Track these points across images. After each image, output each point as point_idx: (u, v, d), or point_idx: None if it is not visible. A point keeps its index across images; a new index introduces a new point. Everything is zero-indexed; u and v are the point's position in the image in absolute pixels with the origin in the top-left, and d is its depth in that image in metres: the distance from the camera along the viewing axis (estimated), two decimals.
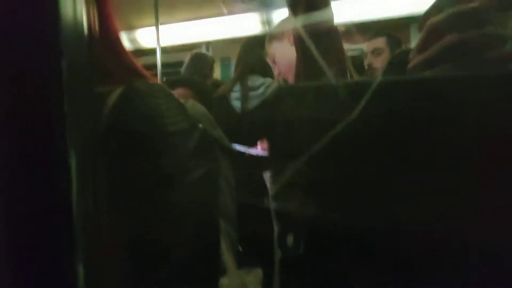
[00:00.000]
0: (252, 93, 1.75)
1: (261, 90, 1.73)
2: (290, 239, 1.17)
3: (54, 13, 0.22)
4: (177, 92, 1.52)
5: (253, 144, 1.55)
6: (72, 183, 0.23)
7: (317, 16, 0.97)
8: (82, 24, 0.25)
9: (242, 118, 1.72)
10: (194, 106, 0.92)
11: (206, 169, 0.51)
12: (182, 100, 0.85)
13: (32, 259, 0.22)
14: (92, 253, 0.24)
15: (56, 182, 0.23)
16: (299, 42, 1.07)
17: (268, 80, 1.72)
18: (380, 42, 1.95)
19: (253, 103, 1.72)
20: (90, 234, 0.24)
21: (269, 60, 1.50)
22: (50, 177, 0.23)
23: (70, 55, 0.23)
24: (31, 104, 0.23)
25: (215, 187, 0.58)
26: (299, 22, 1.02)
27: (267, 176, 1.22)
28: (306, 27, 0.99)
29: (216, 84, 2.46)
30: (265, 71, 1.69)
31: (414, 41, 2.95)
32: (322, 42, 1.00)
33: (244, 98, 1.74)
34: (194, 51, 2.42)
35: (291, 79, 1.28)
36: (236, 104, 1.76)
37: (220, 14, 2.89)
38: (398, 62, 1.94)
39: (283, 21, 1.36)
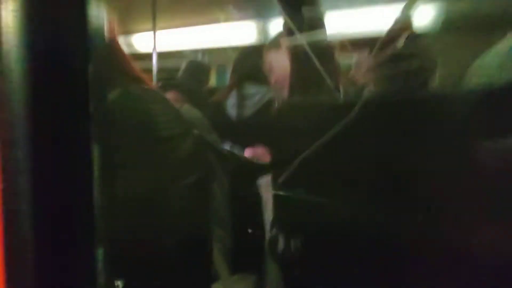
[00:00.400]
0: (247, 101, 1.76)
1: (256, 98, 1.74)
2: (280, 245, 1.17)
3: (83, 24, 0.24)
4: (170, 96, 1.52)
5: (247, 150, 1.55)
6: (94, 175, 0.25)
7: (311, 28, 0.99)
8: (105, 33, 0.27)
9: (238, 124, 1.73)
10: (189, 110, 0.92)
11: (199, 175, 0.52)
12: (177, 105, 0.86)
13: (55, 244, 0.24)
14: (110, 239, 0.26)
15: (80, 174, 0.25)
16: (293, 54, 1.08)
17: (264, 88, 1.73)
18: (362, 55, 2.02)
19: (248, 111, 1.73)
20: (108, 221, 0.26)
21: (266, 69, 1.52)
22: (75, 169, 0.25)
23: (95, 60, 0.25)
24: (60, 103, 0.24)
25: (208, 193, 0.59)
26: (294, 34, 1.03)
27: (260, 181, 1.22)
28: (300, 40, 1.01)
29: (212, 91, 2.47)
30: (261, 79, 1.70)
31: None
32: (315, 54, 1.02)
33: (240, 106, 1.75)
34: (191, 58, 2.43)
35: (286, 88, 1.30)
36: (231, 111, 1.77)
37: (217, 22, 2.92)
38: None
39: (282, 31, 1.38)
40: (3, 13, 0.23)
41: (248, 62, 1.79)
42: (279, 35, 1.43)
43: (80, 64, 0.24)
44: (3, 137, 0.22)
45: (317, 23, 1.00)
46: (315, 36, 0.95)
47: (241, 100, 1.74)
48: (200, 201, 0.53)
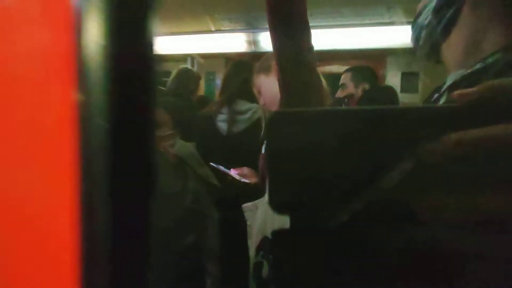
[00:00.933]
0: (239, 117, 1.77)
1: (248, 115, 1.76)
2: (264, 271, 1.22)
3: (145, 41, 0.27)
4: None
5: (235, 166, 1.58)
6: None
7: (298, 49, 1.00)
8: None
9: (228, 140, 1.74)
10: (183, 147, 0.96)
11: (196, 237, 0.56)
12: (168, 133, 0.89)
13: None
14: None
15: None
16: (281, 78, 1.10)
17: (255, 105, 1.75)
18: (345, 77, 2.14)
19: (239, 126, 1.75)
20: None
21: (255, 91, 1.55)
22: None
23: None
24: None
25: (203, 253, 0.63)
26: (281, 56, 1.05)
27: (245, 206, 1.26)
28: (288, 64, 1.03)
29: (201, 100, 2.48)
30: (252, 96, 1.71)
31: (389, 72, 3.11)
32: (302, 78, 1.05)
33: (231, 121, 1.75)
34: (180, 66, 2.43)
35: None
36: (222, 126, 1.78)
37: (208, 31, 2.92)
38: (366, 101, 2.10)
39: (270, 55, 1.41)
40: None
41: (239, 79, 1.80)
42: (268, 58, 1.45)
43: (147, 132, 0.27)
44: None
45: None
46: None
47: (232, 115, 1.75)
48: (195, 263, 0.58)
